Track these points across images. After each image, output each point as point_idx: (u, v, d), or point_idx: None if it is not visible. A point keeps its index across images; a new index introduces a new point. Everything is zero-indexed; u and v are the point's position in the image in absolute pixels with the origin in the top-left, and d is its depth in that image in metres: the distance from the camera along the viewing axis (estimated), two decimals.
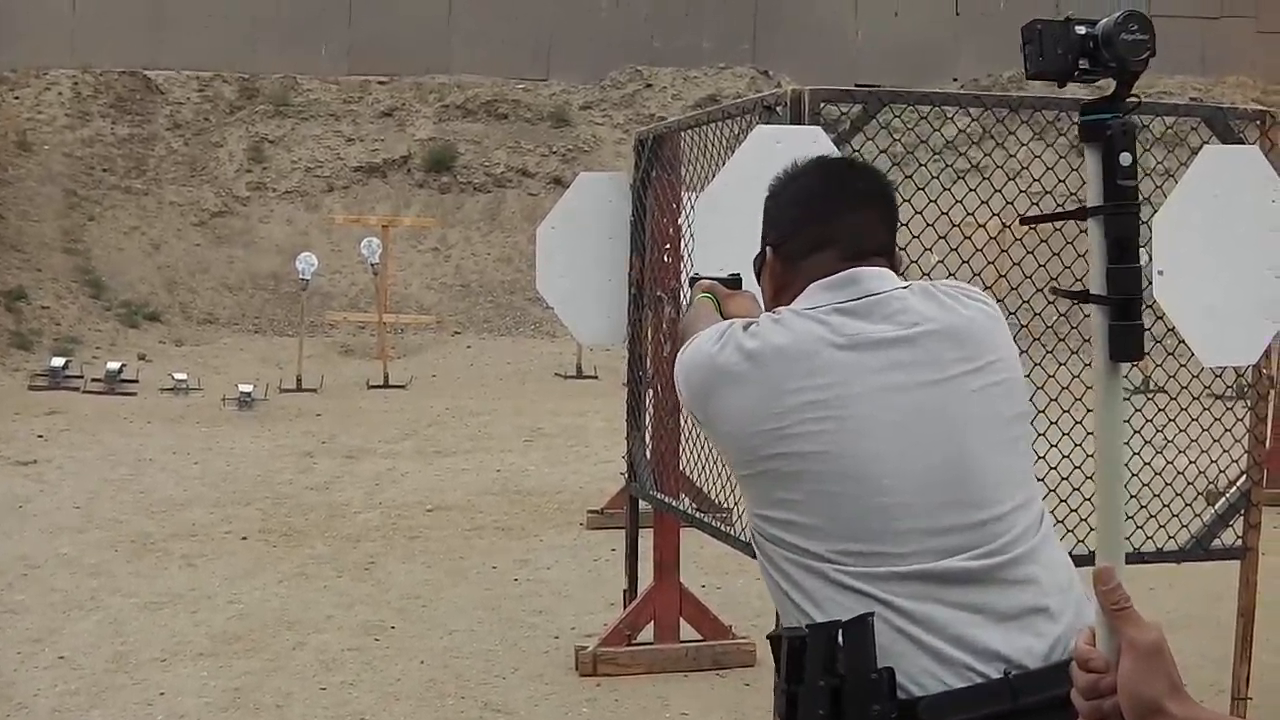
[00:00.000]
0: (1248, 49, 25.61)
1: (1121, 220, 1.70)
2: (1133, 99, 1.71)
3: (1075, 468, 5.10)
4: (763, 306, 2.85)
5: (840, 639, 2.34)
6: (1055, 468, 5.07)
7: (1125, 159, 1.68)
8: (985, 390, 2.52)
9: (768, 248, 2.75)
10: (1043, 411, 4.82)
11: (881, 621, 2.36)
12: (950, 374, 2.51)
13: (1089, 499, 5.10)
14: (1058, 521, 4.90)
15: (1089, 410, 5.27)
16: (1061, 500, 5.00)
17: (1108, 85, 1.74)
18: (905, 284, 2.62)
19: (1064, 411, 5.15)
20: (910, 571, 2.39)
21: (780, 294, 2.70)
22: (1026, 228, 4.92)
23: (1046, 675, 2.36)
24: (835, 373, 2.48)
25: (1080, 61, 1.70)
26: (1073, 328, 5.23)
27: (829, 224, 2.65)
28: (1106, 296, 1.69)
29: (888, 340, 2.51)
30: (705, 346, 2.61)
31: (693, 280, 3.33)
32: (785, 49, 25.10)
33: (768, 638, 2.55)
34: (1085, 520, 5.15)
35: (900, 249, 2.77)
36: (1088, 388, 5.30)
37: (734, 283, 3.21)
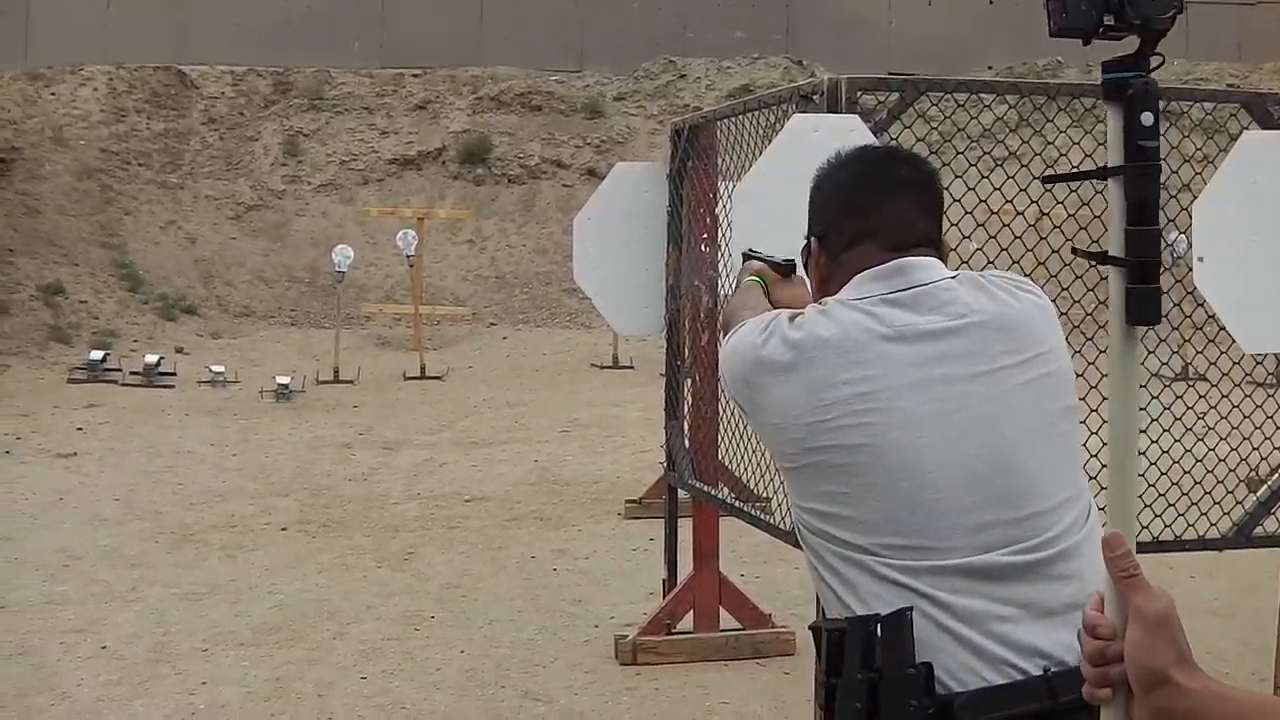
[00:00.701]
0: None
1: (1142, 181, 1.66)
2: (1157, 57, 1.67)
3: (1140, 454, 5.08)
4: (811, 294, 2.83)
5: (878, 633, 2.33)
6: (1096, 455, 5.06)
7: (1147, 119, 1.64)
8: (1033, 383, 2.49)
9: (812, 239, 2.72)
10: (1083, 399, 4.80)
11: (922, 615, 2.34)
12: (998, 366, 2.48)
13: (1154, 484, 5.09)
14: (1100, 508, 4.89)
15: (1153, 397, 5.27)
16: (1103, 487, 4.98)
17: (1132, 43, 1.70)
18: (953, 274, 2.58)
19: (1105, 399, 5.13)
20: (952, 565, 2.37)
21: (826, 285, 2.67)
22: (1066, 215, 4.89)
23: None
24: (882, 365, 2.45)
25: (1105, 18, 1.65)
26: None
27: (871, 215, 2.62)
28: (1124, 258, 1.66)
29: (935, 332, 2.48)
30: (750, 336, 2.59)
31: (746, 256, 3.28)
32: (818, 39, 25.04)
33: (809, 628, 2.54)
34: (1150, 506, 5.15)
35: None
36: (1151, 375, 5.29)
37: (788, 268, 3.16)
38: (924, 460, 2.41)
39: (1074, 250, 2.09)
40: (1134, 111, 1.64)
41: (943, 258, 2.64)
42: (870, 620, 2.34)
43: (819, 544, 2.49)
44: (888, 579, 2.39)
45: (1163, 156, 5.09)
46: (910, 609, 2.34)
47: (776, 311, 2.66)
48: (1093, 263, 1.73)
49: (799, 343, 2.50)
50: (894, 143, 4.84)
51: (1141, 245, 1.65)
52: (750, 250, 3.31)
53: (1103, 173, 1.68)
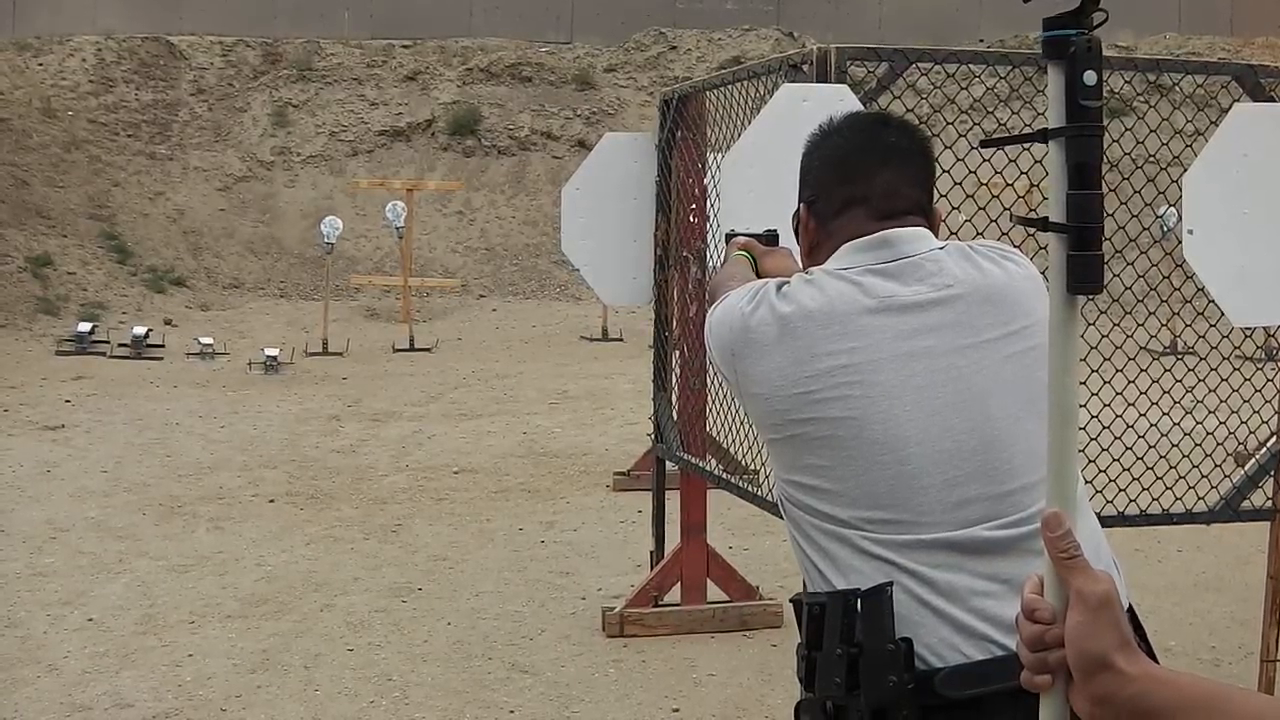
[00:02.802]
0: (1277, 10, 25.40)
1: (1084, 143, 1.59)
2: (1100, 14, 1.59)
3: (1104, 427, 5.08)
4: (799, 263, 2.80)
5: (859, 607, 2.32)
6: (1084, 428, 5.05)
7: (1090, 78, 1.57)
8: (1020, 355, 2.44)
9: (802, 205, 2.69)
10: None
11: (902, 590, 2.32)
12: (984, 338, 2.45)
13: (1117, 459, 5.09)
14: (1087, 481, 4.88)
15: (1118, 370, 5.26)
16: (1090, 460, 4.99)
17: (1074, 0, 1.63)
18: (941, 245, 2.55)
19: (1092, 371, 5.12)
20: (933, 540, 2.35)
21: (815, 251, 2.65)
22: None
23: None
24: (867, 336, 2.43)
25: None
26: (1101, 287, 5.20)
27: (860, 183, 2.58)
28: (1065, 224, 1.60)
29: (921, 303, 2.46)
30: (738, 304, 2.56)
31: (729, 237, 3.26)
32: (809, 11, 24.99)
33: (790, 601, 2.52)
34: (1114, 481, 5.14)
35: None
36: (1117, 347, 5.26)
37: (770, 239, 3.15)
38: (906, 434, 2.39)
39: (1013, 217, 2.04)
40: (1076, 70, 1.57)
41: (933, 226, 2.61)
42: (850, 595, 2.33)
43: (801, 516, 2.48)
44: (869, 553, 2.37)
45: (1153, 129, 5.06)
46: (890, 584, 2.32)
47: (763, 280, 2.63)
48: (1032, 230, 1.67)
49: (786, 314, 2.48)
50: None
51: (1083, 210, 1.59)
52: (732, 231, 3.29)
53: (1043, 135, 1.63)
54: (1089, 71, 1.57)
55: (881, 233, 2.53)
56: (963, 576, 2.34)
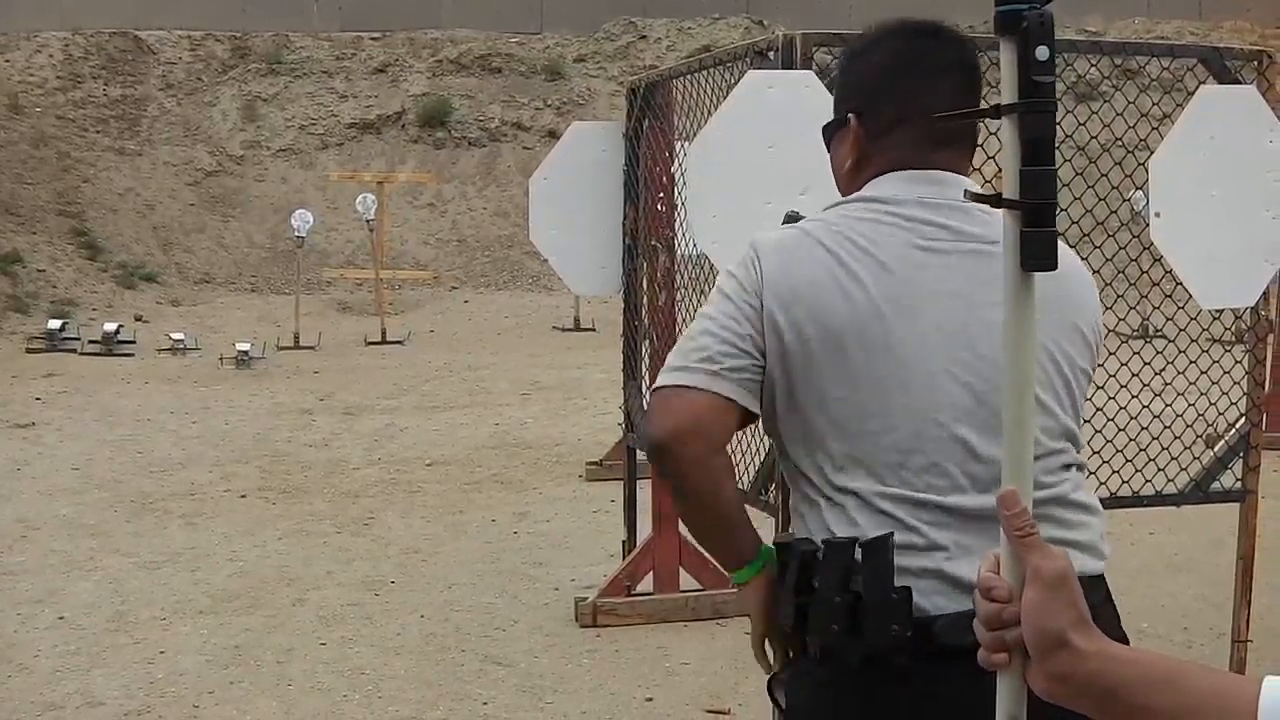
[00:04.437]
0: None
1: (1036, 119, 1.57)
2: None
3: (1098, 410, 5.08)
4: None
5: (859, 556, 2.29)
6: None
7: (1042, 53, 1.55)
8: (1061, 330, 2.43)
9: (851, 115, 2.56)
10: None
11: (904, 545, 2.30)
12: None
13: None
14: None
15: (1110, 354, 5.26)
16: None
17: None
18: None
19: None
20: (942, 503, 2.33)
21: (859, 166, 2.55)
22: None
23: None
24: (916, 274, 2.37)
25: None
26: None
27: (910, 101, 2.48)
28: (1019, 200, 1.58)
29: (965, 251, 2.40)
30: (764, 235, 2.50)
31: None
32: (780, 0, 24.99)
33: (775, 543, 2.47)
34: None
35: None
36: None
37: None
38: (937, 387, 2.35)
39: (966, 194, 2.02)
40: (1028, 45, 1.57)
41: (972, 150, 2.55)
42: (850, 544, 2.30)
43: (806, 477, 2.42)
44: (877, 509, 2.34)
45: (1119, 112, 5.05)
46: (892, 534, 2.30)
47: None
48: (991, 208, 1.66)
49: (821, 237, 2.42)
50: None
51: (1036, 186, 1.58)
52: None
53: (995, 111, 1.62)
54: (1041, 46, 1.56)
55: (933, 171, 2.46)
56: (966, 538, 2.33)
